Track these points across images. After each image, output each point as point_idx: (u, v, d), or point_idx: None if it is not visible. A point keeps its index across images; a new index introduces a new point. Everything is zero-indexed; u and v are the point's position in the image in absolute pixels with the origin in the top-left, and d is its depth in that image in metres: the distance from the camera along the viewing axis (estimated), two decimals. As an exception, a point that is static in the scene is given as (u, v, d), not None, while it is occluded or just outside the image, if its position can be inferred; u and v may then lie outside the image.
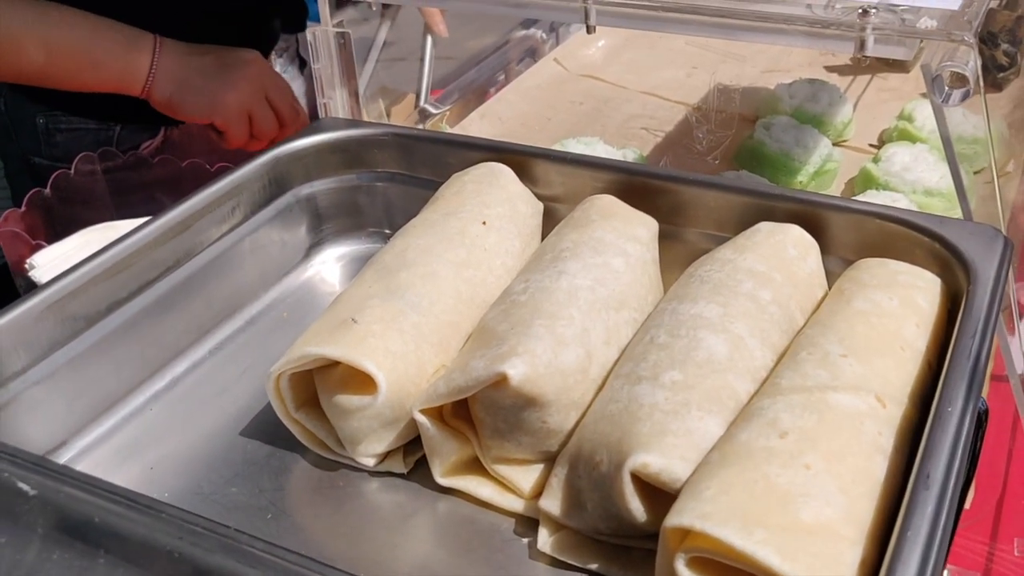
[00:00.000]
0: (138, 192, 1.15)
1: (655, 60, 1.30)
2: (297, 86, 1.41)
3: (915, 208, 0.95)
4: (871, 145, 1.12)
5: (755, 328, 0.60)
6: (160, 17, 1.15)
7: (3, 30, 0.99)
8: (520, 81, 1.26)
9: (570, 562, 0.57)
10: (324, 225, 0.85)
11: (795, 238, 0.67)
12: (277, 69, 1.35)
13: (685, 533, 0.48)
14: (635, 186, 0.75)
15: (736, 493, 0.47)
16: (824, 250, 0.69)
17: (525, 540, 0.59)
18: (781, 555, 0.45)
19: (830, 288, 0.67)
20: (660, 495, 0.53)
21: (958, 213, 0.93)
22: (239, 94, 1.06)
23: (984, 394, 0.70)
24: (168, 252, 0.73)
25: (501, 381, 0.56)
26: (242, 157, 1.00)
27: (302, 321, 0.78)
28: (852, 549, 0.46)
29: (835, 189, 1.04)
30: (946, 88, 0.68)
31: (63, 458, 0.65)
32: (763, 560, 0.45)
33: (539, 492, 0.60)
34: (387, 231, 0.85)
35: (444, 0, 0.84)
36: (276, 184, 0.81)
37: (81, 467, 0.65)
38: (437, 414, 0.61)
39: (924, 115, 1.07)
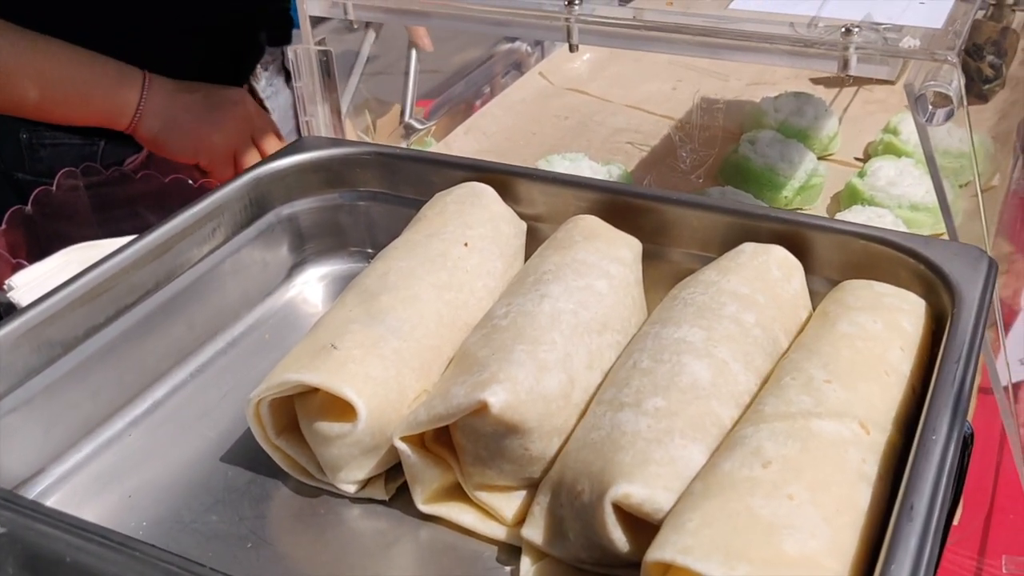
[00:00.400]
0: (121, 207, 1.14)
1: (640, 74, 1.30)
2: (283, 99, 1.40)
3: (901, 223, 0.95)
4: (856, 159, 1.12)
5: (739, 352, 0.60)
6: (146, 34, 1.15)
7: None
8: (505, 95, 1.25)
9: (553, 591, 0.56)
10: (306, 245, 0.84)
11: (779, 259, 0.67)
12: (262, 83, 1.34)
13: (667, 566, 0.48)
14: (618, 205, 0.74)
15: (719, 525, 0.47)
16: (808, 270, 0.69)
17: (508, 568, 0.59)
18: (764, 589, 0.44)
19: (814, 309, 0.67)
20: (643, 524, 0.52)
21: (944, 228, 0.93)
22: (225, 135, 1.06)
23: (971, 408, 0.70)
24: (148, 275, 0.72)
25: (482, 409, 0.56)
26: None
27: (284, 343, 0.77)
28: (836, 581, 0.46)
29: (821, 204, 1.04)
30: (930, 107, 0.68)
31: (40, 486, 0.64)
32: (746, 594, 0.44)
33: (522, 519, 0.59)
34: (370, 250, 0.85)
35: (426, 18, 0.83)
36: (257, 204, 0.80)
37: (58, 495, 0.64)
38: (418, 441, 0.60)
39: (909, 129, 1.07)
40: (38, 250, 0.99)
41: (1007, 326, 0.81)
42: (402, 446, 0.59)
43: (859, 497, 0.50)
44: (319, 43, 0.88)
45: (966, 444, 0.57)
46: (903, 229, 0.93)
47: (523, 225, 0.77)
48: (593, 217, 0.73)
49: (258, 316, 0.80)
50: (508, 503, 0.60)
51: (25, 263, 0.90)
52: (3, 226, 0.99)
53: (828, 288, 0.68)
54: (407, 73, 1.17)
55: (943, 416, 0.52)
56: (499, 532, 0.60)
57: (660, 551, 0.47)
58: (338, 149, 0.83)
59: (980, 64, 1.13)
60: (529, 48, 1.34)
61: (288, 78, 1.40)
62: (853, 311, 0.62)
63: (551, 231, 0.74)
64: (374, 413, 0.59)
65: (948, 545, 0.71)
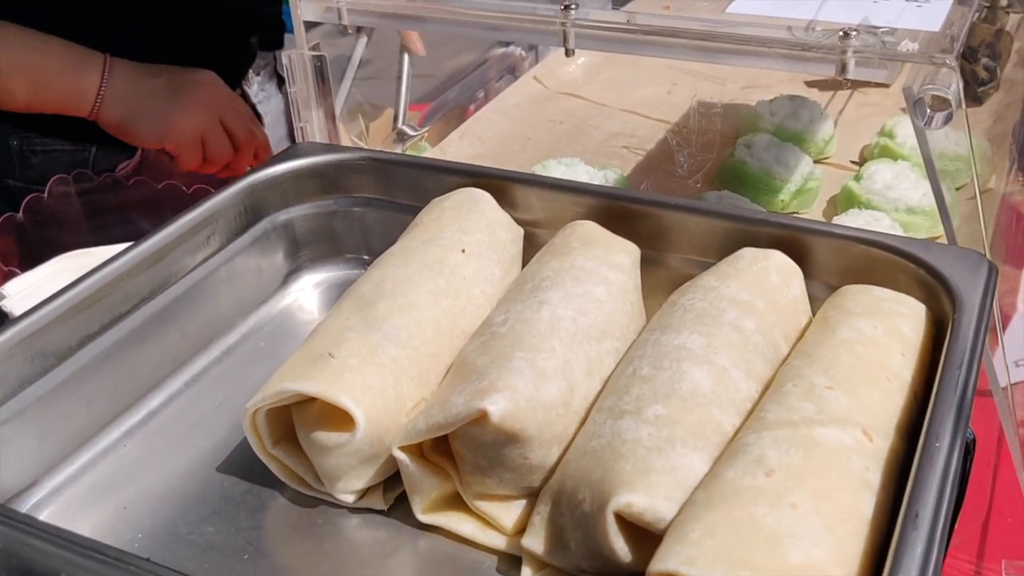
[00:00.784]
0: (114, 214, 1.14)
1: (635, 77, 1.29)
2: (276, 104, 1.39)
3: (898, 227, 0.95)
4: (852, 162, 1.12)
5: (739, 359, 0.59)
6: (137, 36, 1.14)
7: None
8: (500, 100, 1.25)
9: (554, 601, 0.56)
10: (301, 252, 0.84)
11: (778, 264, 0.67)
12: (255, 88, 1.34)
13: (670, 576, 0.47)
14: (616, 211, 0.74)
15: (722, 535, 0.46)
16: (807, 275, 0.68)
17: (508, 578, 0.58)
18: (769, 600, 0.44)
19: (814, 314, 0.67)
20: (644, 534, 0.52)
21: (941, 231, 0.93)
22: (191, 119, 1.04)
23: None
24: (142, 283, 0.71)
25: (481, 418, 0.55)
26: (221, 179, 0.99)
27: (280, 350, 0.77)
28: (841, 591, 0.45)
29: (817, 207, 1.03)
30: (928, 111, 0.68)
31: (34, 499, 0.64)
32: (750, 605, 0.44)
33: (522, 528, 0.59)
34: (365, 257, 0.84)
35: (421, 23, 0.83)
36: (252, 211, 0.80)
37: (52, 508, 0.64)
38: (417, 450, 0.60)
39: (905, 131, 1.07)
40: (30, 258, 0.98)
41: (1003, 327, 0.81)
42: (401, 456, 0.58)
43: (862, 505, 0.50)
44: (313, 48, 0.87)
45: (968, 450, 0.57)
46: (900, 233, 0.93)
47: (520, 231, 0.76)
48: (591, 223, 0.72)
49: (253, 324, 0.80)
50: (508, 512, 0.60)
51: (17, 271, 0.89)
52: (-5, 234, 0.99)
53: (827, 293, 0.67)
54: (399, 78, 1.17)
55: (946, 423, 0.51)
56: (499, 542, 0.59)
57: (663, 562, 0.46)
58: (333, 155, 0.82)
59: (975, 67, 1.13)
60: (523, 52, 1.34)
61: (281, 82, 1.39)
62: (853, 316, 0.61)
63: (548, 237, 0.74)
64: (372, 422, 0.59)
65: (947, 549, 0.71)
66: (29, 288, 0.85)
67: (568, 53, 0.78)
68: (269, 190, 0.80)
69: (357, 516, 0.63)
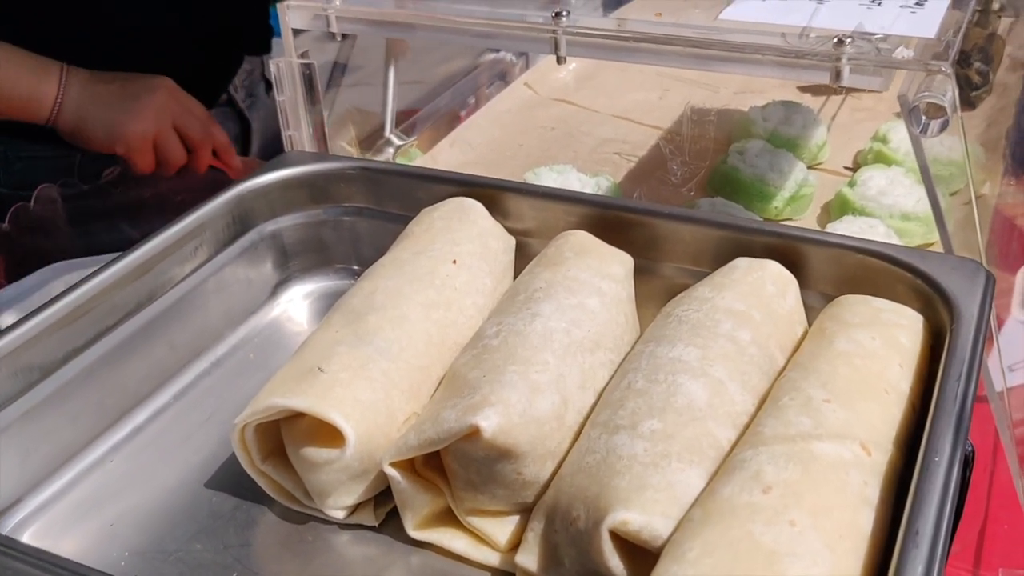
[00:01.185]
0: (99, 221, 1.13)
1: (627, 83, 1.29)
2: (263, 109, 1.38)
3: (892, 233, 0.94)
4: (846, 168, 1.11)
5: (735, 371, 0.58)
6: (123, 43, 1.13)
7: None
8: (490, 106, 1.24)
9: (548, 619, 0.55)
10: (291, 262, 0.83)
11: (773, 275, 0.66)
12: (241, 94, 1.33)
13: (667, 597, 0.46)
14: (609, 220, 0.73)
15: (720, 554, 0.45)
16: (803, 285, 0.68)
17: (501, 595, 0.58)
18: (768, 620, 0.43)
19: (810, 324, 0.66)
20: (640, 551, 0.51)
21: (936, 237, 0.92)
22: (141, 123, 1.06)
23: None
24: (129, 296, 0.70)
25: (473, 433, 0.54)
26: (205, 181, 0.98)
27: (269, 362, 0.76)
28: (841, 610, 0.45)
29: (811, 214, 1.03)
30: (924, 118, 0.67)
31: (17, 517, 0.62)
32: (749, 626, 0.43)
33: (515, 545, 0.58)
34: (355, 267, 0.83)
35: (411, 30, 0.82)
36: (240, 221, 0.79)
37: (37, 526, 0.62)
38: (408, 466, 0.59)
39: (899, 137, 1.06)
40: (15, 266, 0.98)
41: (998, 330, 0.80)
42: (392, 472, 0.57)
43: (862, 521, 0.49)
44: (302, 56, 0.86)
45: (967, 462, 0.56)
46: (895, 239, 0.92)
47: (512, 240, 0.75)
48: (584, 232, 0.71)
49: (242, 335, 0.79)
50: (501, 528, 0.59)
51: (3, 281, 0.88)
52: (-21, 244, 0.98)
53: (823, 303, 0.67)
54: (385, 86, 1.16)
55: (945, 437, 0.51)
56: (492, 558, 0.58)
57: (660, 582, 0.45)
58: (322, 164, 0.81)
59: (968, 71, 1.13)
60: (514, 58, 1.33)
61: (268, 88, 1.38)
62: (850, 327, 0.60)
63: (541, 246, 0.73)
64: (363, 438, 0.58)
65: (945, 559, 0.70)
66: (13, 301, 0.84)
67: (559, 61, 0.77)
68: (258, 200, 0.79)
69: (348, 532, 0.62)
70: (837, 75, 0.69)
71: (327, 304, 0.78)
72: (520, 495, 0.58)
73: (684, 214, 0.73)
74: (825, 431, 0.52)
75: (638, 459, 0.52)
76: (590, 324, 0.63)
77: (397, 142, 1.09)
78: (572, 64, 1.32)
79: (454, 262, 0.69)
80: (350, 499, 0.60)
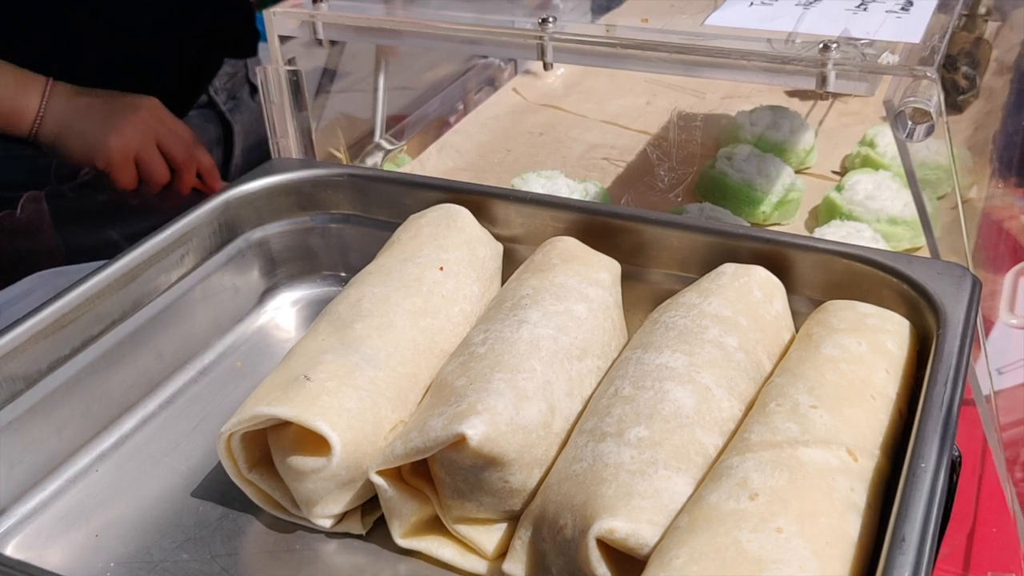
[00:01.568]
0: (79, 221, 1.13)
1: (614, 88, 1.28)
2: (247, 113, 1.38)
3: (880, 237, 0.94)
4: (834, 172, 1.11)
5: (722, 377, 0.58)
6: (103, 42, 1.13)
7: None
8: (479, 112, 1.24)
9: (536, 627, 0.55)
10: (278, 269, 0.82)
11: (760, 280, 0.66)
12: (223, 96, 1.32)
13: (654, 605, 0.46)
14: (596, 226, 0.73)
15: (707, 562, 0.45)
16: (790, 290, 0.68)
17: (489, 604, 0.57)
18: (754, 628, 0.43)
19: (797, 330, 0.66)
20: (627, 559, 0.51)
21: (923, 241, 0.92)
22: (122, 138, 1.06)
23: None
24: (114, 304, 0.70)
25: (460, 442, 0.54)
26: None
27: (256, 370, 0.76)
28: (827, 617, 0.45)
29: (799, 219, 1.03)
30: (910, 123, 0.67)
31: (2, 527, 0.62)
32: (736, 634, 0.43)
33: (503, 552, 0.58)
34: (343, 274, 0.83)
35: (398, 37, 0.82)
36: (227, 229, 0.79)
37: (21, 537, 0.62)
38: (395, 474, 0.59)
39: (886, 141, 1.06)
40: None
41: (985, 334, 0.80)
42: (379, 480, 0.57)
43: (848, 528, 0.49)
44: (289, 63, 0.86)
45: (954, 468, 0.56)
46: (882, 243, 0.92)
47: (499, 247, 0.75)
48: (571, 239, 0.71)
49: (229, 343, 0.79)
50: (489, 536, 0.59)
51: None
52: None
53: (810, 308, 0.67)
54: (375, 91, 1.15)
55: (932, 443, 0.51)
56: (480, 566, 0.58)
57: (647, 590, 0.45)
58: (309, 171, 0.81)
59: (954, 75, 1.13)
60: (503, 63, 1.33)
61: (253, 91, 1.38)
62: (837, 333, 0.60)
63: (528, 252, 0.73)
64: (349, 446, 0.58)
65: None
66: None
67: (546, 67, 0.77)
68: (244, 207, 0.79)
69: (335, 541, 0.61)
70: (823, 80, 0.69)
71: (314, 311, 0.78)
72: (507, 503, 0.58)
73: (671, 220, 0.72)
74: (812, 437, 0.52)
75: (625, 467, 0.52)
76: (577, 331, 0.63)
77: (387, 146, 1.09)
78: (560, 69, 1.32)
79: (441, 269, 0.69)
80: (337, 508, 0.60)
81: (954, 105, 1.13)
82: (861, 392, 0.56)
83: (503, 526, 0.59)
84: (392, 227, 0.76)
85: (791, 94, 1.25)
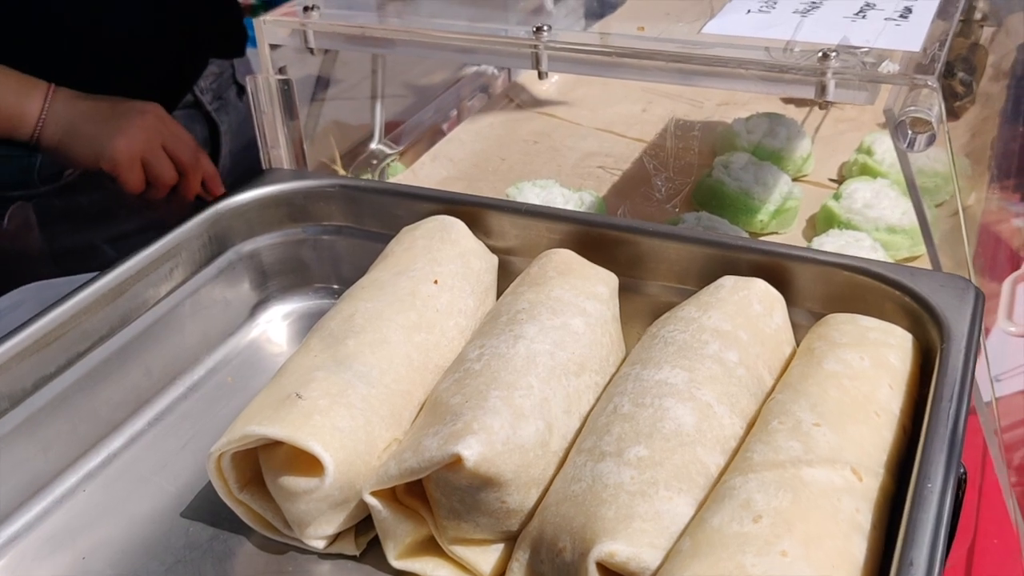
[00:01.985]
0: (63, 223, 1.12)
1: (609, 95, 1.27)
2: (234, 114, 1.36)
3: (879, 246, 0.93)
4: (831, 180, 1.10)
5: (723, 394, 0.57)
6: (89, 39, 1.12)
7: None
8: (473, 120, 1.23)
9: (534, 652, 0.54)
10: (269, 282, 0.81)
11: (760, 293, 0.65)
12: (208, 96, 1.31)
13: (656, 632, 0.45)
14: (593, 237, 0.72)
15: (710, 588, 0.44)
16: (790, 303, 0.67)
17: (485, 627, 0.56)
18: (760, 657, 0.42)
19: (798, 343, 0.65)
20: (628, 582, 0.50)
21: (922, 249, 0.91)
22: (129, 140, 1.04)
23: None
24: (102, 320, 0.68)
25: (456, 462, 0.53)
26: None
27: (248, 386, 0.74)
28: (834, 644, 0.43)
29: (796, 227, 1.02)
30: (910, 133, 0.66)
31: (-13, 551, 0.61)
32: (741, 663, 0.42)
33: (500, 574, 0.57)
34: (335, 286, 0.82)
35: (390, 46, 0.81)
36: (217, 241, 0.77)
37: (7, 559, 0.61)
38: (390, 494, 0.57)
39: (883, 148, 1.05)
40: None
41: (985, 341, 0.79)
42: (373, 501, 0.56)
43: (854, 549, 0.48)
44: (280, 71, 0.85)
45: (960, 484, 0.55)
46: (881, 253, 0.91)
47: (494, 259, 0.74)
48: (567, 251, 0.70)
49: (220, 358, 0.77)
50: (485, 558, 0.57)
51: (-25, 303, 0.86)
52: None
53: (811, 321, 0.65)
54: (373, 98, 1.14)
55: (938, 461, 0.50)
56: (476, 588, 0.57)
57: (649, 618, 0.44)
58: (300, 182, 0.80)
59: (951, 82, 1.12)
60: (496, 71, 1.32)
61: (240, 92, 1.36)
62: (839, 348, 0.59)
63: (524, 264, 0.72)
64: (342, 466, 0.56)
65: None
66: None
67: (541, 76, 0.76)
68: (234, 219, 0.78)
69: (328, 562, 0.60)
70: (822, 90, 0.68)
71: (307, 324, 0.77)
72: (504, 523, 0.56)
73: (669, 231, 0.71)
74: (815, 456, 0.51)
75: (625, 487, 0.51)
76: (574, 346, 0.62)
77: (387, 151, 1.08)
78: (554, 77, 1.31)
79: (435, 282, 0.68)
80: (330, 528, 0.59)
81: (951, 111, 1.12)
82: (864, 408, 0.55)
83: (500, 547, 0.58)
84: (385, 239, 0.75)
85: (787, 100, 1.24)
